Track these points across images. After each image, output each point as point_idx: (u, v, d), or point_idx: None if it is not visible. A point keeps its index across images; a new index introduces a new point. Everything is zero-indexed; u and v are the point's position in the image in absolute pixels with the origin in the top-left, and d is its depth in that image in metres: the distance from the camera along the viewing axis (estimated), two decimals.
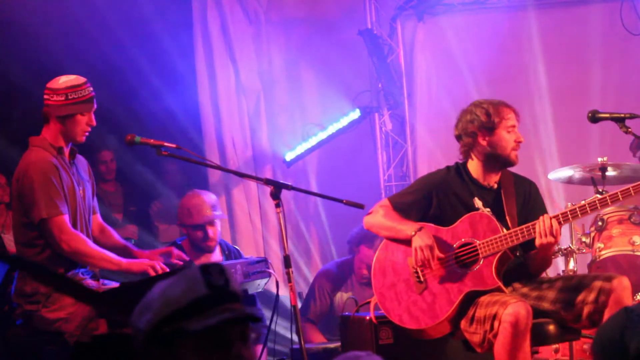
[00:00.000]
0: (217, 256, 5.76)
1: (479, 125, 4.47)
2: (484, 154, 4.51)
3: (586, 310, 4.22)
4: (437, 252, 4.38)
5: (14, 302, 4.44)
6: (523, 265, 4.54)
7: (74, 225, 4.40)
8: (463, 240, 4.43)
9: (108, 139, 7.29)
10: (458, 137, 4.58)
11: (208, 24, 7.68)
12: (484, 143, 4.49)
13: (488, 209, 4.47)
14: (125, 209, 7.84)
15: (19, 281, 4.44)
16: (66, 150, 4.50)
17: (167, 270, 4.33)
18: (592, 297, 4.21)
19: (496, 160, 4.50)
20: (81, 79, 4.46)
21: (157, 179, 7.97)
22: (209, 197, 5.85)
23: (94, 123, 4.50)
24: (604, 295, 4.19)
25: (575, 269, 5.74)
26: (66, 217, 4.34)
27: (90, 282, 4.46)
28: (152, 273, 4.29)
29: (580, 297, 4.25)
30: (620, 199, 4.22)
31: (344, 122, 7.85)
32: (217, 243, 5.73)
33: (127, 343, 2.01)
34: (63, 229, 4.31)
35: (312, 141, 7.85)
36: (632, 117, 4.46)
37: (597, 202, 4.23)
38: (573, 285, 4.32)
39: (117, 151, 7.66)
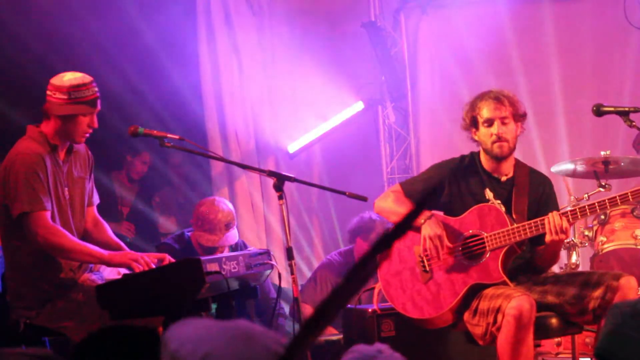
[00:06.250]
0: (225, 250, 5.75)
1: (465, 123, 4.53)
2: (481, 147, 4.54)
3: (591, 304, 4.21)
4: (446, 242, 4.39)
5: (10, 304, 4.33)
6: (529, 259, 4.54)
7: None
8: (471, 231, 4.43)
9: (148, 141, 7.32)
10: None
11: (212, 14, 7.66)
12: (475, 138, 4.53)
13: (499, 201, 4.47)
14: (132, 208, 7.83)
15: (10, 281, 4.33)
16: (61, 149, 4.35)
17: (153, 266, 4.25)
18: (598, 292, 4.19)
19: (487, 154, 4.52)
20: (87, 78, 4.26)
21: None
22: (226, 213, 5.64)
23: (96, 125, 4.31)
24: (611, 292, 4.17)
25: (578, 263, 5.75)
26: (47, 214, 4.18)
27: (92, 276, 4.43)
28: (135, 267, 4.15)
29: (586, 292, 4.23)
30: (630, 199, 4.20)
31: (347, 114, 7.85)
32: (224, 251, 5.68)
33: (130, 334, 2.02)
34: (41, 224, 4.14)
35: (315, 133, 7.85)
36: (636, 110, 4.45)
37: (606, 201, 4.21)
38: (580, 280, 4.31)
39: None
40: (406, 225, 1.62)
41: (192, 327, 1.79)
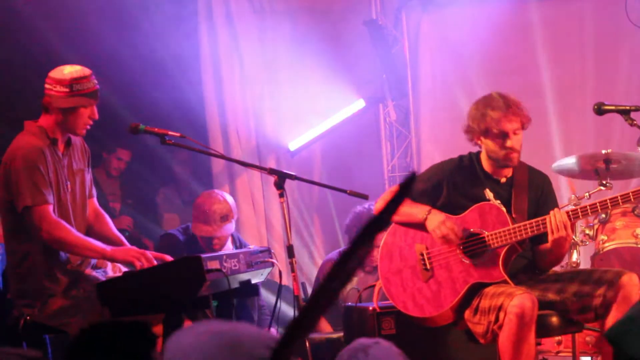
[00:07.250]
0: (228, 246, 5.77)
1: (471, 129, 4.47)
2: (485, 152, 4.51)
3: (594, 302, 4.20)
4: (454, 226, 4.37)
5: (13, 301, 4.33)
6: (530, 258, 4.53)
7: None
8: (471, 230, 4.42)
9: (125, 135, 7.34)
10: None
11: (213, 12, 7.66)
12: (479, 143, 4.49)
13: (499, 201, 4.45)
14: (123, 200, 7.84)
15: (12, 278, 4.35)
16: (61, 143, 4.36)
17: (155, 263, 4.25)
18: (601, 290, 4.18)
19: (494, 161, 4.50)
20: (87, 71, 4.30)
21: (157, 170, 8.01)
22: (222, 205, 5.69)
23: (97, 117, 4.35)
24: (613, 290, 4.16)
25: (579, 261, 5.74)
26: (50, 207, 4.20)
27: (93, 273, 4.43)
28: (137, 264, 4.18)
29: (588, 290, 4.22)
30: (632, 199, 4.20)
31: (348, 112, 7.84)
32: (223, 246, 5.71)
33: (129, 330, 2.01)
34: (45, 218, 4.16)
35: (316, 131, 7.84)
36: (638, 109, 4.46)
37: (608, 201, 4.21)
38: (582, 277, 4.30)
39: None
40: (389, 212, 1.61)
41: (188, 337, 1.82)
